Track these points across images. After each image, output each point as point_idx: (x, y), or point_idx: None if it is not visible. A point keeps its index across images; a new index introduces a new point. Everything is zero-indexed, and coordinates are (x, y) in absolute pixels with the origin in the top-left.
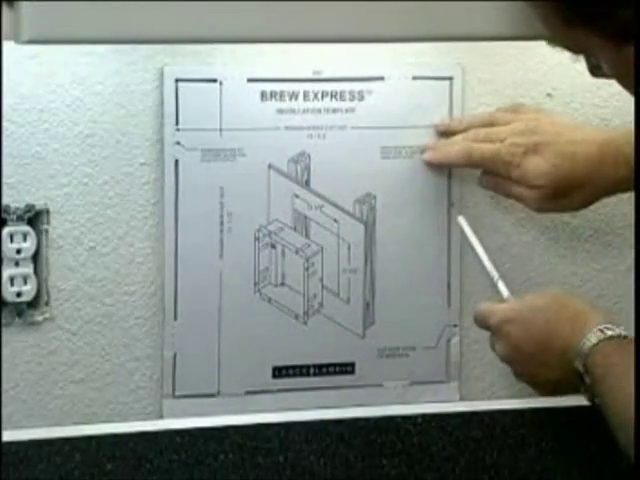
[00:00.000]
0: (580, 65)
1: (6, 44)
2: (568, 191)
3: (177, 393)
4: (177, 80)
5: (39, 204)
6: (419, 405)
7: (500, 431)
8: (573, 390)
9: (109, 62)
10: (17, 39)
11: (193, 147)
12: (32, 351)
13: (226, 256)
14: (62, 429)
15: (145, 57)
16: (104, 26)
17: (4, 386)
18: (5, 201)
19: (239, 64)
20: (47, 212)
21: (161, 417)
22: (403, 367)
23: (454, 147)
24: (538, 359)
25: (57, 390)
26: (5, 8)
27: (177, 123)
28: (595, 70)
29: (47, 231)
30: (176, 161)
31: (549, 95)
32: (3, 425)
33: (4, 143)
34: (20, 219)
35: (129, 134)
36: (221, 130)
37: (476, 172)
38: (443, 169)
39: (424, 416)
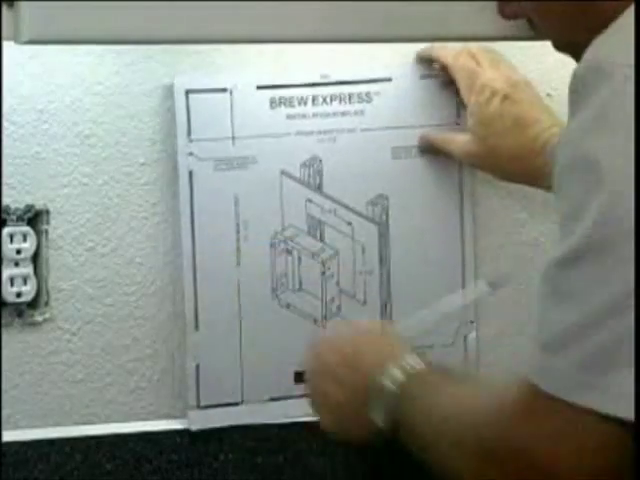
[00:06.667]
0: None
1: (6, 44)
2: (497, 131)
3: (202, 404)
4: (187, 92)
5: (39, 204)
6: None
7: None
8: (358, 428)
9: (109, 62)
10: (17, 39)
11: (206, 157)
12: (32, 351)
13: (243, 264)
14: (62, 429)
15: (145, 57)
16: (104, 26)
17: (4, 386)
18: (5, 201)
19: (248, 72)
20: (47, 212)
21: (186, 428)
22: None
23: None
24: (339, 375)
25: (57, 390)
26: (5, 8)
27: (189, 134)
28: (506, 8)
29: (47, 231)
30: (190, 172)
31: (549, 95)
32: (3, 425)
33: (4, 143)
34: (20, 219)
35: (129, 134)
36: (233, 138)
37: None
38: (454, 167)
39: None
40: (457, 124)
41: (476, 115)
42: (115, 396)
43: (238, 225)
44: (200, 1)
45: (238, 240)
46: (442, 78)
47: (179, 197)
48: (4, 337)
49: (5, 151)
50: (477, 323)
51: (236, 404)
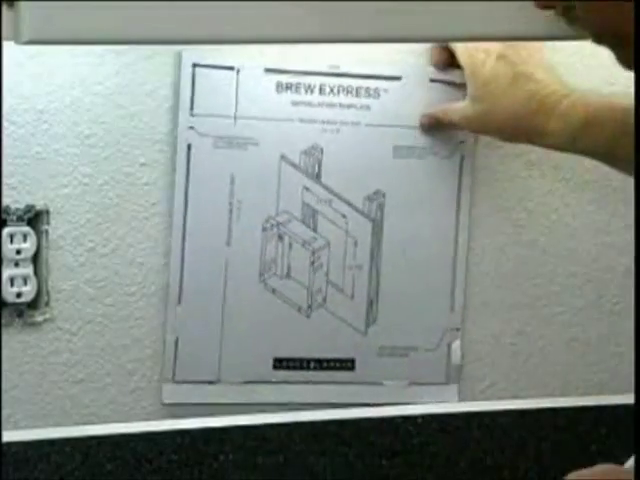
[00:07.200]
0: (580, 65)
1: (6, 44)
2: (493, 91)
3: (177, 378)
4: (194, 65)
5: (39, 205)
6: (419, 405)
7: (500, 431)
8: None
9: (109, 62)
10: (17, 39)
11: (206, 133)
12: (32, 351)
13: (233, 244)
14: (62, 429)
15: (145, 57)
16: (104, 26)
17: (4, 386)
18: (5, 201)
19: (257, 53)
20: (47, 213)
21: (161, 403)
22: (403, 367)
23: None
24: None
25: (57, 390)
26: (5, 8)
27: (192, 108)
28: None
29: (47, 232)
30: (188, 145)
31: None
32: (3, 425)
33: (4, 143)
34: (20, 220)
35: (129, 134)
36: (235, 118)
37: (488, 176)
38: (454, 170)
39: (424, 416)
40: (463, 129)
41: (472, 77)
42: (115, 396)
43: (232, 204)
44: (200, 1)
45: (230, 219)
46: (453, 85)
47: (176, 171)
48: (4, 337)
49: (5, 151)
50: (462, 331)
51: (211, 383)
